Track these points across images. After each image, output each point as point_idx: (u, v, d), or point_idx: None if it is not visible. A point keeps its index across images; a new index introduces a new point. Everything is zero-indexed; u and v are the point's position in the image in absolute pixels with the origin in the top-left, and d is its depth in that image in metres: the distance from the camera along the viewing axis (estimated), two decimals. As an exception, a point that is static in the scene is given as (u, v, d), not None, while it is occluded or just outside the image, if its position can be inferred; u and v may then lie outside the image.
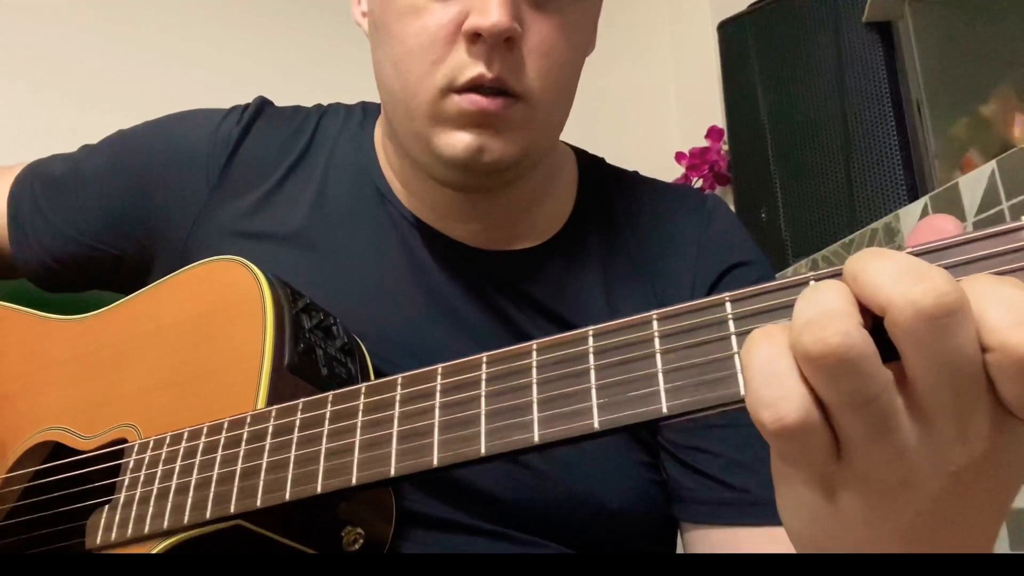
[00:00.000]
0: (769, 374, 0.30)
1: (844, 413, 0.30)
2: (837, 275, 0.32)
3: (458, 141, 0.58)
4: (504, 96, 0.58)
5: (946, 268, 0.31)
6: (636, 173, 0.76)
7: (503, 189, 0.65)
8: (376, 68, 0.64)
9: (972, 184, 1.04)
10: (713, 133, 1.83)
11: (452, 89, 0.57)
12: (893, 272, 0.29)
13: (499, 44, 0.56)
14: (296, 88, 1.05)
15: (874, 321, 0.31)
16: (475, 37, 0.56)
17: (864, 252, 0.31)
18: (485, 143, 0.58)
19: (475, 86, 0.57)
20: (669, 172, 1.82)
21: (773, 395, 0.30)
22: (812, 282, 0.32)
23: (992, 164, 1.01)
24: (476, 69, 0.56)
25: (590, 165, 0.74)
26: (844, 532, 0.33)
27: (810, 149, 1.49)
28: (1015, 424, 0.30)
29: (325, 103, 0.78)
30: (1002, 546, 0.97)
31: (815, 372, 0.29)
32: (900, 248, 0.32)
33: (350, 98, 0.79)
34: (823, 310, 0.29)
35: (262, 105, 0.75)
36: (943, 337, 0.28)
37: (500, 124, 0.58)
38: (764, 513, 0.59)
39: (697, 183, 1.83)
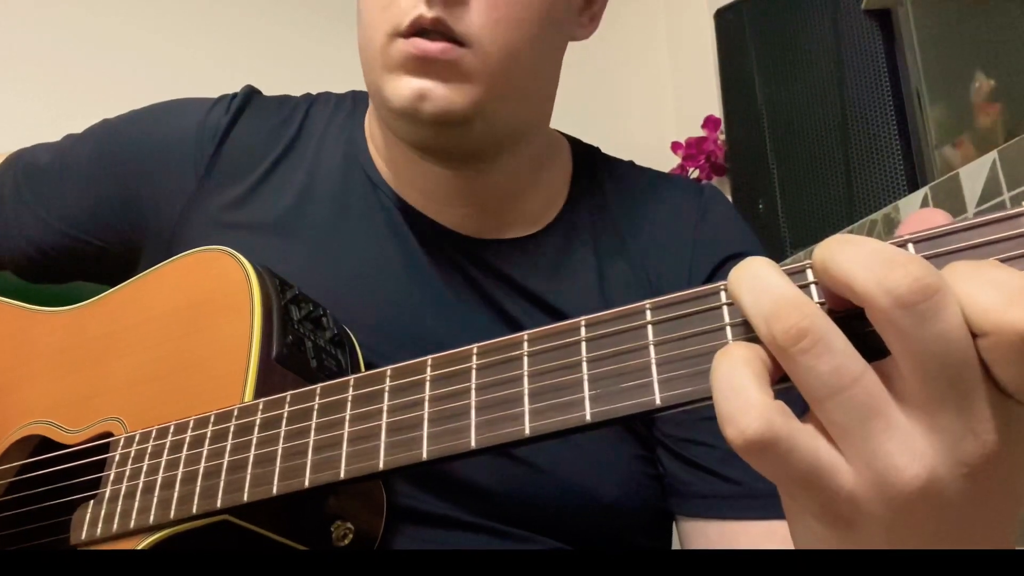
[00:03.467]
0: (727, 389, 0.30)
1: (828, 405, 0.29)
2: None
3: (404, 87, 0.58)
4: (448, 41, 0.57)
5: (948, 255, 0.31)
6: (631, 163, 0.75)
7: (486, 167, 0.64)
8: None
9: (973, 174, 1.03)
10: (710, 123, 1.81)
11: (398, 33, 0.57)
12: (862, 260, 0.28)
13: None
14: (286, 82, 1.03)
15: (848, 314, 0.30)
16: None
17: (829, 241, 0.30)
18: (429, 90, 0.57)
19: (418, 29, 0.57)
20: (665, 162, 1.81)
21: (732, 409, 0.29)
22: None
23: (993, 154, 1.00)
24: (416, 10, 0.56)
25: (584, 154, 0.73)
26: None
27: (808, 139, 1.48)
28: (1021, 411, 0.29)
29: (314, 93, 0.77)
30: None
31: (792, 362, 0.29)
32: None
33: (338, 89, 0.78)
34: (778, 297, 0.30)
35: (250, 94, 0.74)
36: (925, 323, 0.27)
37: (445, 72, 0.57)
38: (760, 506, 0.58)
39: (693, 173, 1.82)
